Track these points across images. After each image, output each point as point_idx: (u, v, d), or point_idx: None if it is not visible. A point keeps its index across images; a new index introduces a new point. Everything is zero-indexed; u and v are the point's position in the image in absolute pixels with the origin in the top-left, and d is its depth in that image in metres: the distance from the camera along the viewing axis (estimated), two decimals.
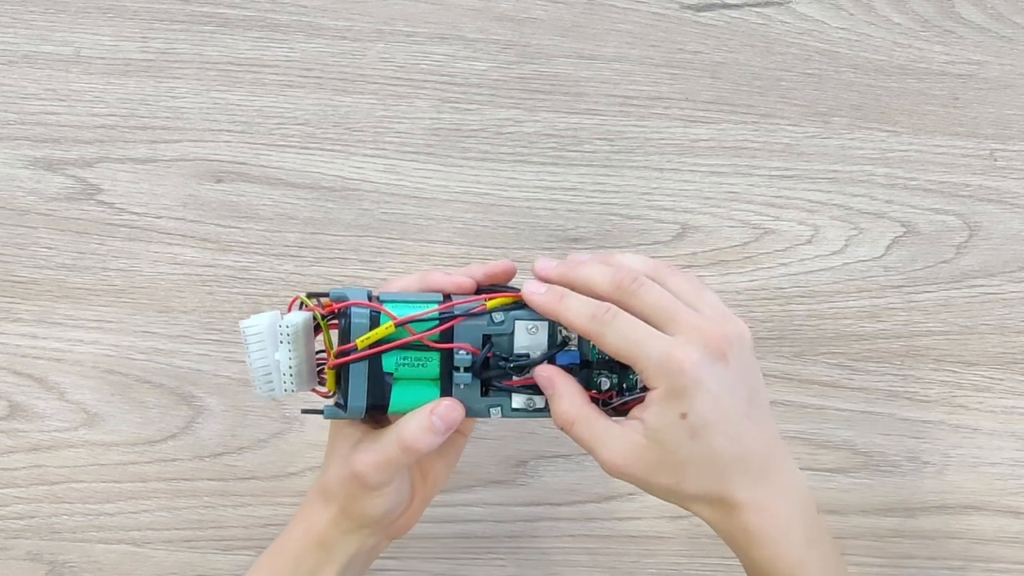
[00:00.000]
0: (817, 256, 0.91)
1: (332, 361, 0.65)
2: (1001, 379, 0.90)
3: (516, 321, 0.67)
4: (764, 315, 0.90)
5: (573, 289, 0.66)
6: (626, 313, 0.63)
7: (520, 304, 0.67)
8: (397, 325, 0.64)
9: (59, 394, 0.85)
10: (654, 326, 0.63)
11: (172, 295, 0.87)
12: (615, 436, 0.64)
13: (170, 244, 0.88)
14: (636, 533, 0.85)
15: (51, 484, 0.84)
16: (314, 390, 0.67)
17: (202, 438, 0.85)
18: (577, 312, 0.64)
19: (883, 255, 0.91)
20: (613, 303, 0.64)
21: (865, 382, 0.89)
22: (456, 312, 0.66)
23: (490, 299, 0.67)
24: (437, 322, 0.65)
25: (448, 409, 0.66)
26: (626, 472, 0.64)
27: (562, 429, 0.66)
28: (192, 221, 0.88)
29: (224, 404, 0.85)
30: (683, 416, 0.62)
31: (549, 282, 0.67)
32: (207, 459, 0.85)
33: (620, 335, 0.63)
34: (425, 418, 0.65)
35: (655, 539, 0.85)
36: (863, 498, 0.87)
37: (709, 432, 0.62)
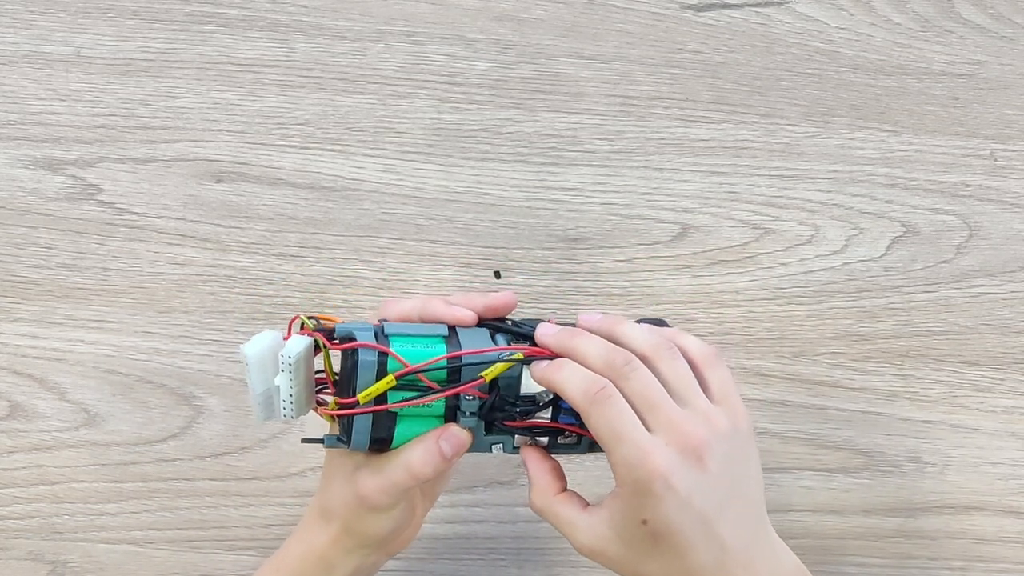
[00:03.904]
0: (817, 256, 0.91)
1: (334, 411, 0.65)
2: (1001, 379, 0.90)
3: (524, 366, 0.66)
4: (764, 315, 0.90)
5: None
6: (619, 398, 0.62)
7: (526, 361, 0.66)
8: (399, 378, 0.64)
9: (59, 394, 0.85)
10: (639, 415, 0.62)
11: (173, 295, 0.87)
12: (582, 526, 0.64)
13: (170, 244, 0.88)
14: None
15: (52, 484, 0.84)
16: (314, 409, 0.67)
17: (203, 438, 0.85)
18: (573, 384, 0.63)
19: (883, 255, 0.91)
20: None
21: (865, 382, 0.89)
22: (464, 362, 0.64)
23: (500, 350, 0.66)
24: (444, 372, 0.64)
25: (455, 436, 0.65)
26: (594, 559, 0.64)
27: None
28: (192, 221, 0.88)
29: (225, 404, 0.85)
30: (644, 522, 0.61)
31: (546, 349, 0.65)
32: (208, 459, 0.85)
33: (604, 422, 0.61)
34: (433, 444, 0.64)
35: None
36: (864, 498, 0.87)
37: (674, 539, 0.61)
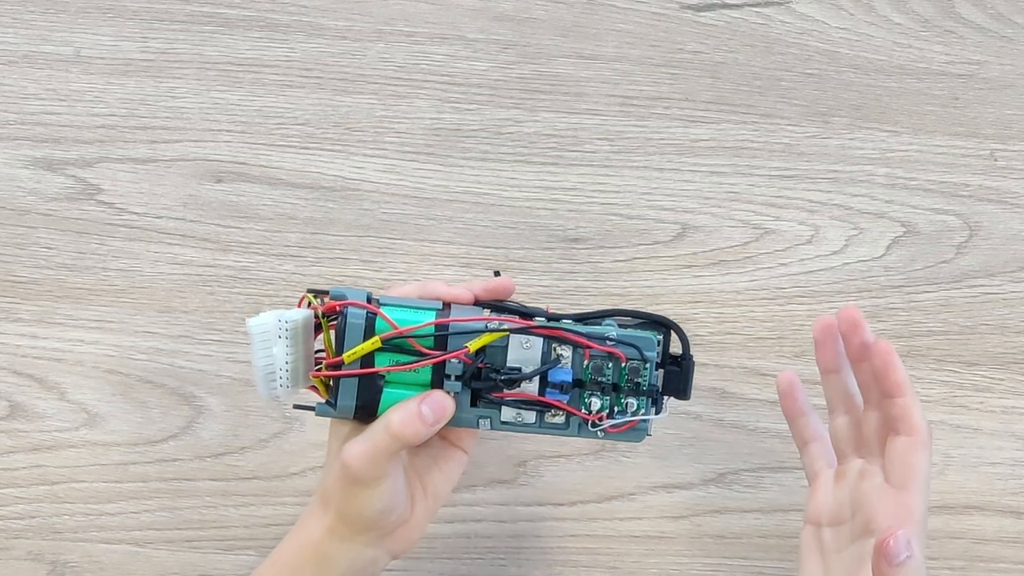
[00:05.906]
0: (817, 256, 0.91)
1: (322, 372, 0.66)
2: (1002, 379, 0.90)
3: (511, 335, 0.67)
4: (764, 315, 0.90)
5: None
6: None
7: (516, 331, 0.67)
8: (385, 340, 0.65)
9: (60, 394, 0.85)
10: None
11: (173, 295, 0.87)
12: None
13: (170, 244, 0.88)
14: (638, 533, 0.85)
15: (52, 484, 0.84)
16: (311, 388, 0.68)
17: (203, 438, 0.85)
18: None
19: (883, 255, 0.91)
20: None
21: None
22: (451, 330, 0.66)
23: (487, 319, 0.67)
24: (432, 339, 0.66)
25: (438, 400, 0.66)
26: None
27: None
28: (192, 221, 0.88)
29: (225, 404, 0.85)
30: None
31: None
32: (208, 459, 0.85)
33: None
34: (414, 406, 0.65)
35: (657, 539, 0.85)
36: None
37: None
